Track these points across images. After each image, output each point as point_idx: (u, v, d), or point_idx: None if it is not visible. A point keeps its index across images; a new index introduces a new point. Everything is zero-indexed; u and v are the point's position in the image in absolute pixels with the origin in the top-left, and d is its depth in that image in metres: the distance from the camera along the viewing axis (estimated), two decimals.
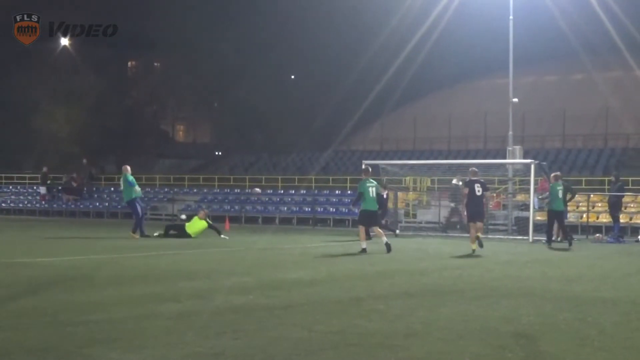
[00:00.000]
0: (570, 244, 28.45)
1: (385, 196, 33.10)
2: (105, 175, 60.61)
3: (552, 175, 30.83)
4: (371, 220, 25.04)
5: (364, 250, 23.95)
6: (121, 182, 31.35)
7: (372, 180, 25.06)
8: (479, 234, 25.31)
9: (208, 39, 70.57)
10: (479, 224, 25.84)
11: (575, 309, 12.75)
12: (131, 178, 30.90)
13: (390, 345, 9.79)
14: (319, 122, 66.32)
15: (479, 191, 25.53)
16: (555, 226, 31.53)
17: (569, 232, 30.29)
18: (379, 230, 24.98)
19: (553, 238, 31.16)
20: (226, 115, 79.38)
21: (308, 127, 67.61)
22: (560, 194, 29.87)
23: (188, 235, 30.40)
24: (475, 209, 25.66)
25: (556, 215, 29.91)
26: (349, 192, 44.56)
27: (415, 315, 11.95)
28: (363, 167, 26.31)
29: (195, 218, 31.64)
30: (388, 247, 23.97)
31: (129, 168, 31.56)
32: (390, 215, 38.82)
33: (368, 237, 25.04)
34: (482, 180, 26.32)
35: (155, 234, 30.39)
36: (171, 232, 30.73)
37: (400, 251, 25.46)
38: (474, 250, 24.50)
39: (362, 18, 65.53)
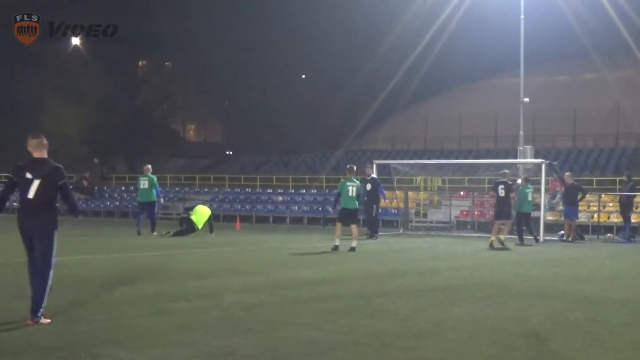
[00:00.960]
0: (520, 244, 28.95)
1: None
2: (116, 175, 60.66)
3: (523, 177, 31.12)
4: (350, 219, 25.24)
5: (335, 248, 24.26)
6: (143, 182, 31.36)
7: (354, 179, 25.23)
8: (502, 236, 27.31)
9: (218, 38, 70.56)
10: (504, 223, 27.94)
11: (585, 309, 12.73)
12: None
13: (401, 345, 9.78)
14: (330, 122, 66.34)
15: (502, 192, 27.57)
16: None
17: (527, 234, 30.44)
18: (355, 230, 25.06)
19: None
20: (237, 114, 79.37)
21: (319, 126, 67.62)
22: (530, 197, 30.49)
23: (194, 227, 30.68)
24: (500, 209, 27.77)
25: (523, 217, 30.36)
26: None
27: (426, 315, 11.94)
28: (347, 166, 26.52)
29: (199, 206, 31.94)
30: (352, 249, 24.21)
31: (150, 168, 31.97)
32: (401, 215, 38.84)
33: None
34: (508, 182, 28.19)
35: (164, 233, 30.43)
36: (180, 228, 30.90)
37: (410, 251, 25.51)
38: (492, 243, 26.55)
39: (373, 17, 65.43)
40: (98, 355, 8.99)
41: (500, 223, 27.78)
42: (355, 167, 26.18)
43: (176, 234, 30.65)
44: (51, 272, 11.05)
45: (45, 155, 11.12)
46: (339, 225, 25.01)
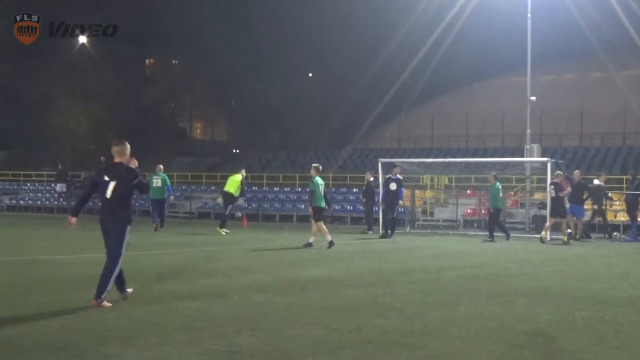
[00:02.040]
0: (507, 238, 30.37)
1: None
2: None
3: (492, 174, 31.31)
4: (322, 216, 25.98)
5: (331, 243, 24.70)
6: (156, 181, 32.33)
7: (320, 178, 25.70)
8: (544, 232, 29.50)
9: (225, 36, 70.60)
10: (563, 220, 29.80)
11: (592, 307, 12.72)
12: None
13: (407, 343, 9.78)
14: (337, 120, 66.30)
15: (552, 192, 29.66)
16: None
17: (507, 229, 31.49)
18: (316, 227, 25.43)
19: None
20: (243, 112, 79.45)
21: (325, 125, 67.59)
22: (501, 193, 31.39)
23: (232, 197, 32.40)
24: (553, 207, 29.79)
25: (496, 213, 31.04)
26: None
27: (433, 313, 11.95)
28: (314, 164, 26.64)
29: (230, 178, 33.06)
30: (308, 245, 24.85)
31: (162, 167, 33.35)
32: (407, 214, 38.77)
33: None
34: (558, 182, 29.84)
35: (225, 232, 31.05)
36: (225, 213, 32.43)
37: (417, 249, 25.49)
38: (567, 240, 28.55)
39: (380, 16, 65.50)
40: (105, 353, 9.01)
41: (562, 220, 29.65)
42: (320, 167, 26.40)
43: (223, 221, 32.04)
44: (120, 262, 12.57)
45: (123, 160, 12.92)
46: (321, 224, 25.38)
